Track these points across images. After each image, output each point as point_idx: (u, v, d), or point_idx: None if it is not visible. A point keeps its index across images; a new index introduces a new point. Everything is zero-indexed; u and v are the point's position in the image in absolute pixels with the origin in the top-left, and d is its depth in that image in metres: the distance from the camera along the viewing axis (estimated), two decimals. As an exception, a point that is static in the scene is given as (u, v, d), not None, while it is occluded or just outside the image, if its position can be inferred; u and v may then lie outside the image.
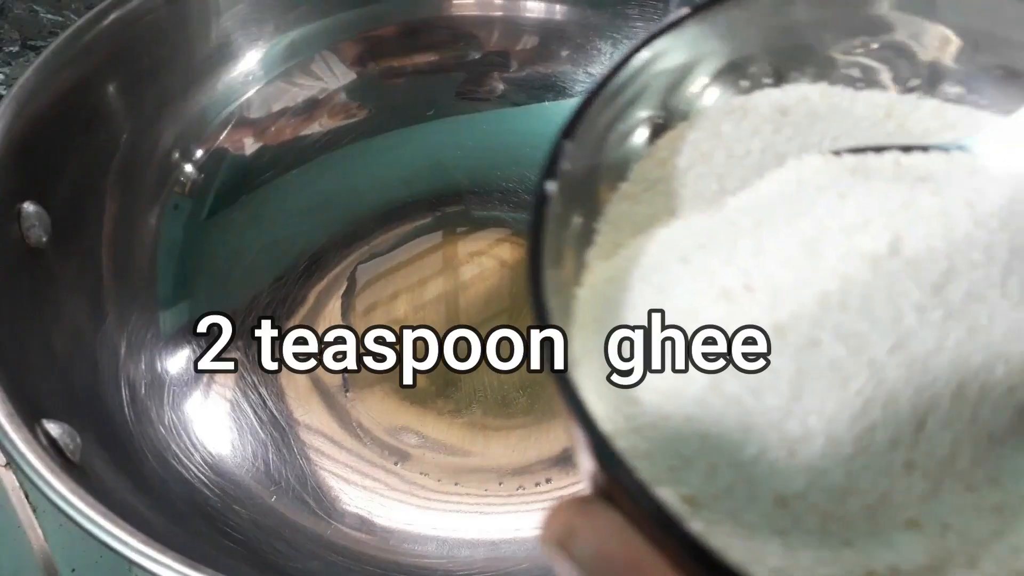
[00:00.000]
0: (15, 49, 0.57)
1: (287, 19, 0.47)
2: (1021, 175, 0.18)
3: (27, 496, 0.40)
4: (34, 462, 0.29)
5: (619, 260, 0.19)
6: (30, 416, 0.30)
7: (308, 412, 0.41)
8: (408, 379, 0.41)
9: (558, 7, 0.49)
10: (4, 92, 0.51)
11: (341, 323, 0.44)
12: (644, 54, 0.20)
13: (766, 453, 0.16)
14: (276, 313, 0.44)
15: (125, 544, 0.27)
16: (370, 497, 0.39)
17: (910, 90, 0.22)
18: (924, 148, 0.20)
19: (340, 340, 0.43)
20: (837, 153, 0.20)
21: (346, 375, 0.42)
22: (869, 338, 0.16)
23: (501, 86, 0.50)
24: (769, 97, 0.21)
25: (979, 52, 0.21)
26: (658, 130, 0.21)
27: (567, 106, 0.40)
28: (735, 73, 0.22)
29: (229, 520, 0.36)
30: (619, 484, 0.14)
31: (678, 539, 0.13)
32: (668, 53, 0.20)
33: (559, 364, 0.15)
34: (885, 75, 0.22)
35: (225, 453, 0.39)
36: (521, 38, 0.49)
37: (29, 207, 0.37)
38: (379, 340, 0.42)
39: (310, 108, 0.48)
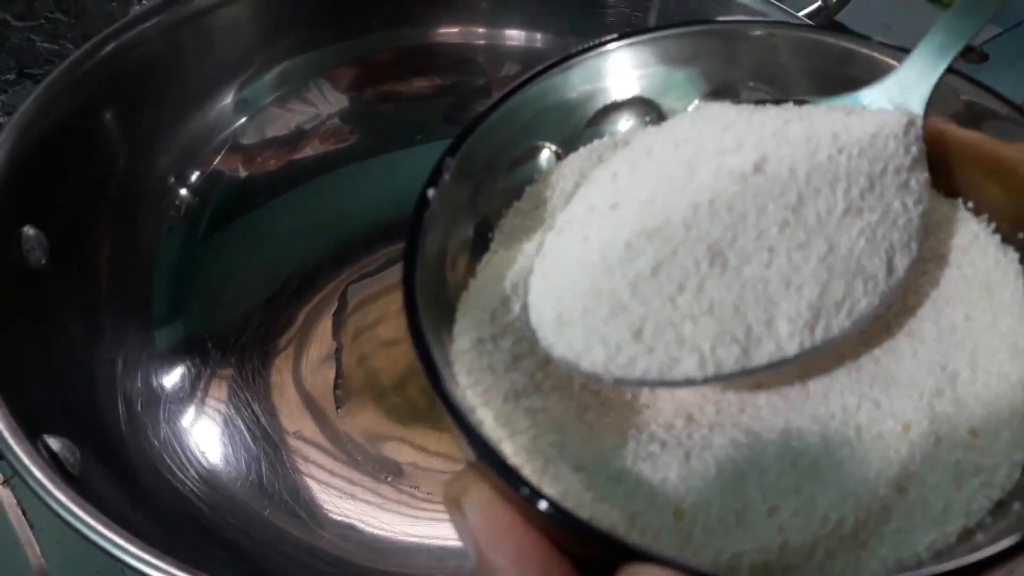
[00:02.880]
0: (12, 77, 0.58)
1: (280, 48, 0.48)
2: (888, 116, 0.20)
3: (25, 513, 0.41)
4: (37, 475, 0.30)
5: (504, 257, 0.22)
6: (32, 431, 0.31)
7: (300, 427, 0.42)
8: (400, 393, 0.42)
9: (539, 36, 0.50)
10: (2, 119, 0.52)
11: (332, 341, 0.45)
12: (533, 88, 0.22)
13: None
14: (268, 332, 0.45)
15: (125, 551, 0.28)
16: (361, 509, 0.39)
17: None
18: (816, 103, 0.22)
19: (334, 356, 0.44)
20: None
21: (337, 392, 0.43)
22: (732, 246, 0.18)
23: (486, 111, 0.51)
24: (647, 132, 0.23)
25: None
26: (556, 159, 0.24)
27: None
28: (621, 110, 0.25)
29: (223, 532, 0.37)
30: (462, 431, 0.17)
31: (500, 472, 0.16)
32: (557, 89, 0.23)
33: (416, 333, 0.18)
34: None
35: (219, 467, 0.40)
36: (504, 65, 0.51)
37: (29, 231, 0.38)
38: (371, 356, 0.43)
39: (302, 133, 0.49)
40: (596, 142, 0.24)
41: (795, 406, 0.19)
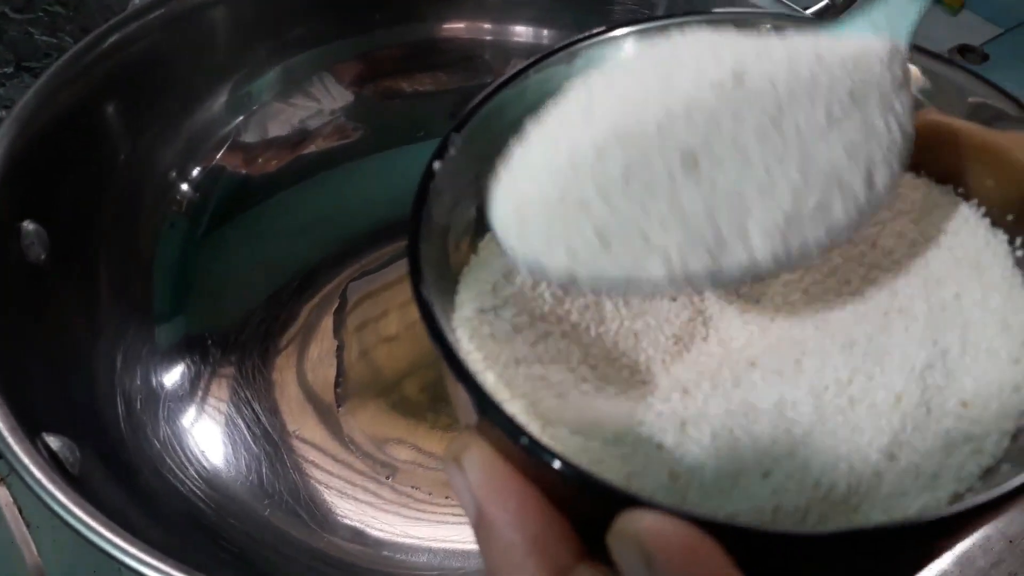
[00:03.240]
0: (10, 71, 0.57)
1: (283, 43, 0.48)
2: (872, 41, 0.20)
3: (21, 512, 0.40)
4: (37, 474, 0.29)
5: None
6: (31, 429, 0.31)
7: (301, 427, 0.41)
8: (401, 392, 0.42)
9: (545, 32, 0.50)
10: (0, 113, 0.52)
11: (333, 340, 0.45)
12: (539, 72, 0.23)
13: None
14: (269, 330, 0.44)
15: (125, 552, 0.28)
16: (362, 510, 0.39)
17: None
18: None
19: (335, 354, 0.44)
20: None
21: (338, 390, 0.43)
22: (707, 154, 0.18)
23: (490, 108, 0.51)
24: (623, 53, 0.24)
25: None
26: None
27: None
28: None
29: (223, 532, 0.37)
30: (459, 380, 0.17)
31: (506, 429, 0.16)
32: (563, 75, 0.23)
33: (417, 288, 0.18)
34: None
35: (219, 467, 0.39)
36: (510, 62, 0.51)
37: (29, 225, 0.38)
38: (372, 354, 0.43)
39: (305, 129, 0.49)
40: None
41: (789, 380, 0.19)
